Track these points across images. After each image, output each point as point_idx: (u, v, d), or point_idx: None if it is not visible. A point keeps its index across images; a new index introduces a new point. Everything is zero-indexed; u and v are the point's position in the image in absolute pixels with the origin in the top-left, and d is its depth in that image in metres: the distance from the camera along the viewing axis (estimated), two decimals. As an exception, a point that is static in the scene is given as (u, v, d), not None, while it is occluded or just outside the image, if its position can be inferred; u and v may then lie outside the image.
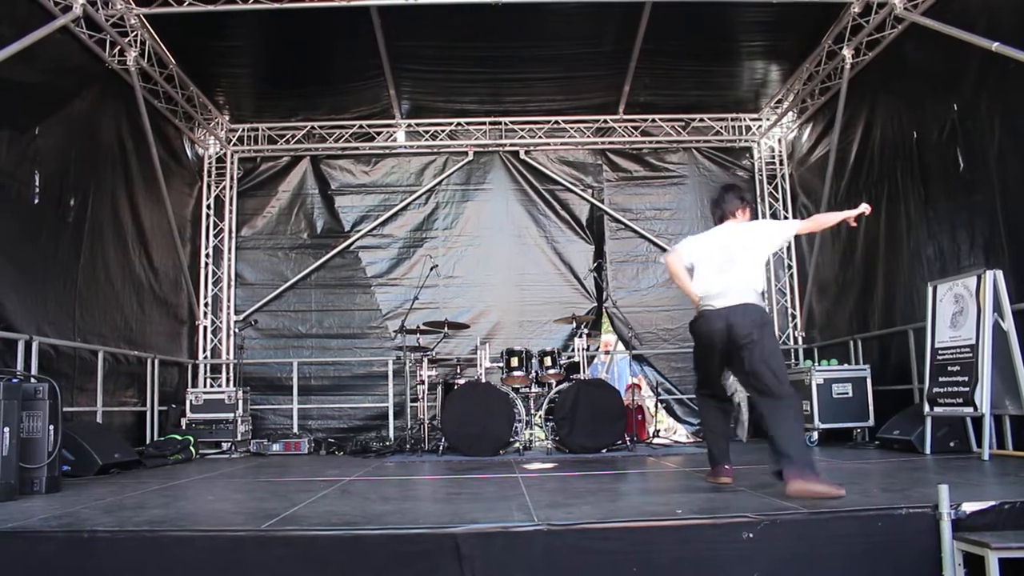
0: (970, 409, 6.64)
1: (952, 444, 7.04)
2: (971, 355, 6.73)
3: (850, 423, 8.79)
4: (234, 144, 12.01)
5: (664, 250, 11.74)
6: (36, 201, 7.50)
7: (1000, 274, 6.65)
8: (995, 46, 6.75)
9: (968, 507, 3.78)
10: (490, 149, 12.13)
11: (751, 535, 3.69)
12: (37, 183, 7.49)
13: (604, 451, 8.52)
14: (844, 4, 8.81)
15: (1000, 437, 6.82)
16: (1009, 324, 6.56)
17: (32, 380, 5.93)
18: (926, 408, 7.18)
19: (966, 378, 6.74)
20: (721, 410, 5.54)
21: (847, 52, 9.37)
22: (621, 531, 3.75)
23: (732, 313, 4.90)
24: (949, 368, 7.02)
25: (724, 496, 4.71)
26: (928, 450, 7.04)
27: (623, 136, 12.11)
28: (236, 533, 3.84)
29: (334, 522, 4.01)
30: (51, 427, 5.71)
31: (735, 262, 5.06)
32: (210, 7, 8.29)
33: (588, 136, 12.11)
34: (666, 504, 4.56)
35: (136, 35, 8.87)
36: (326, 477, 6.57)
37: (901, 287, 8.77)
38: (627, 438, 8.95)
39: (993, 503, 3.85)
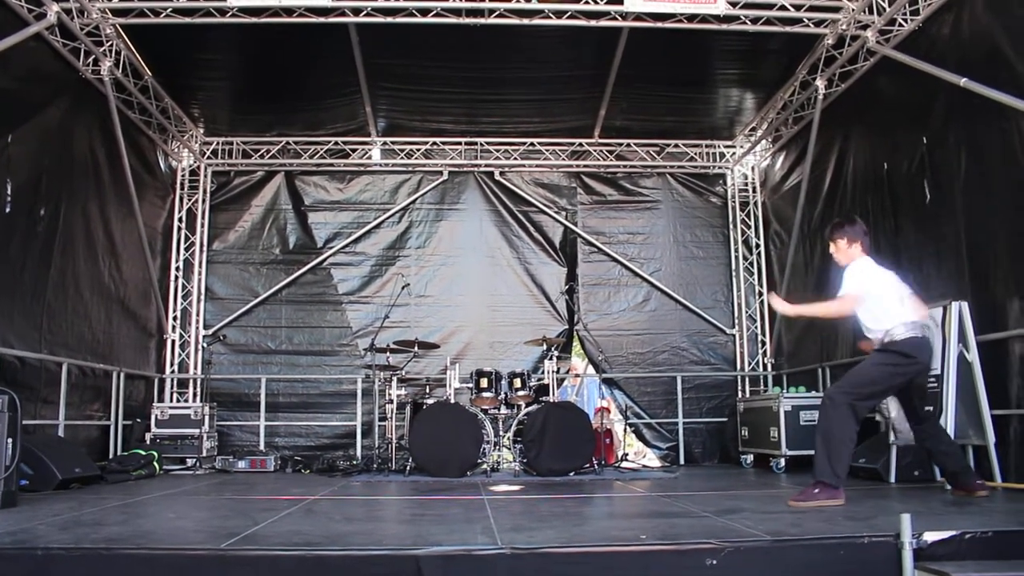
0: (934, 439, 6.70)
1: (916, 473, 7.08)
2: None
3: (817, 450, 8.81)
4: (208, 157, 11.93)
5: (636, 274, 11.81)
6: (8, 211, 7.40)
7: (965, 306, 6.74)
8: (963, 82, 6.88)
9: (930, 536, 3.79)
10: (465, 169, 12.15)
11: (714, 562, 3.68)
12: (9, 192, 7.39)
13: (572, 474, 8.49)
14: (818, 36, 8.93)
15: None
16: (973, 355, 6.64)
17: (-8, 392, 5.82)
18: (891, 437, 7.23)
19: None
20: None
21: (820, 83, 9.50)
22: (585, 555, 3.73)
23: None
24: (914, 398, 7.08)
25: (688, 522, 4.70)
26: (893, 479, 7.09)
27: (598, 160, 12.17)
28: (195, 552, 3.78)
29: (296, 542, 3.95)
30: (9, 440, 5.59)
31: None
32: (187, 19, 8.26)
33: (563, 159, 12.17)
34: (631, 529, 4.56)
35: (111, 45, 8.81)
36: (291, 496, 6.50)
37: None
38: (595, 462, 8.91)
39: (954, 533, 3.87)
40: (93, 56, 8.70)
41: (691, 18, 8.42)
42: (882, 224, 8.62)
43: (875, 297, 5.64)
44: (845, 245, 5.86)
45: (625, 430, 10.94)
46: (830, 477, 5.35)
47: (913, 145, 8.06)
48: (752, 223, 12.24)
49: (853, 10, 8.41)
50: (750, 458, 9.89)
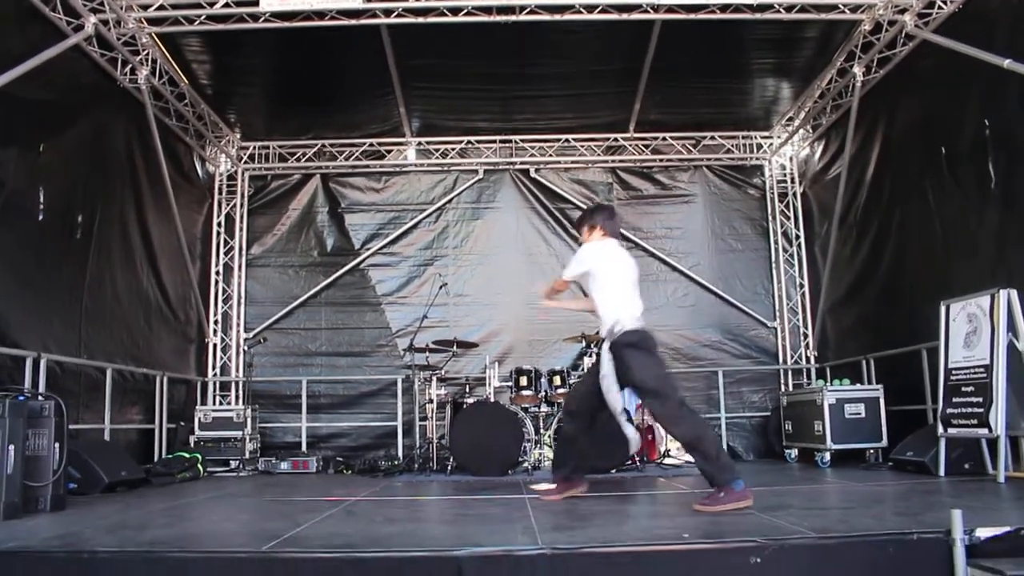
0: (985, 430, 6.53)
1: (967, 466, 6.93)
2: (985, 375, 6.63)
3: (863, 443, 8.66)
4: (245, 162, 12.04)
5: (674, 268, 11.69)
6: (41, 218, 7.49)
7: (1015, 293, 6.53)
8: (1007, 63, 6.65)
9: (983, 532, 3.67)
10: (500, 167, 12.12)
11: (759, 560, 3.61)
12: (42, 200, 7.48)
13: (613, 471, 8.44)
14: (854, 22, 8.77)
15: (1016, 459, 6.68)
16: (1024, 344, 6.46)
17: (39, 398, 5.91)
18: (940, 429, 7.07)
19: (980, 399, 6.63)
20: None
21: (858, 70, 9.31)
22: (626, 555, 3.68)
23: None
24: (963, 388, 6.92)
25: (732, 519, 4.63)
26: (942, 472, 6.93)
27: (633, 154, 12.08)
28: (237, 555, 3.80)
29: (337, 544, 3.95)
30: (56, 445, 5.69)
31: None
32: (221, 26, 8.32)
33: (598, 154, 12.10)
34: (673, 527, 4.48)
35: (147, 53, 8.90)
36: (332, 497, 6.52)
37: (926, 306, 8.40)
38: (637, 458, 8.85)
39: (1009, 529, 3.74)
40: (130, 65, 8.79)
41: (724, 8, 8.30)
42: (946, 208, 8.16)
43: (607, 281, 5.84)
44: (587, 232, 6.10)
45: (667, 426, 10.80)
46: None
47: (971, 124, 7.61)
48: (791, 214, 12.07)
49: (890, -6, 8.26)
50: (794, 452, 9.74)
